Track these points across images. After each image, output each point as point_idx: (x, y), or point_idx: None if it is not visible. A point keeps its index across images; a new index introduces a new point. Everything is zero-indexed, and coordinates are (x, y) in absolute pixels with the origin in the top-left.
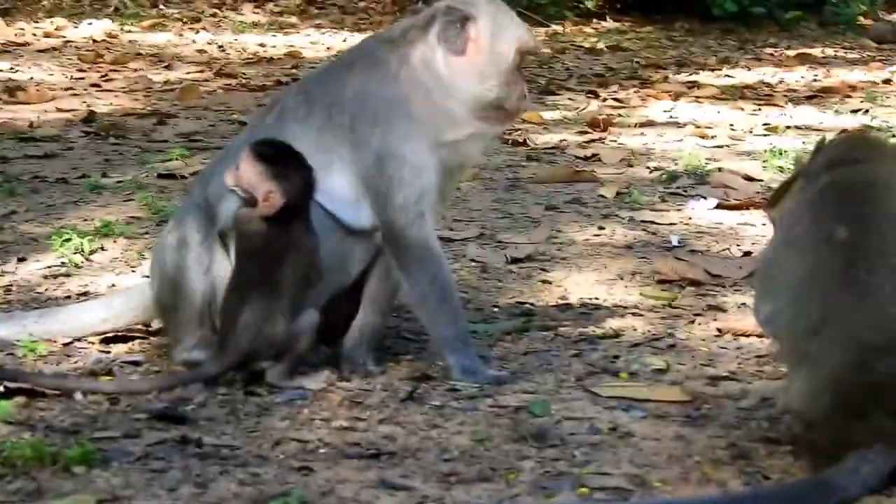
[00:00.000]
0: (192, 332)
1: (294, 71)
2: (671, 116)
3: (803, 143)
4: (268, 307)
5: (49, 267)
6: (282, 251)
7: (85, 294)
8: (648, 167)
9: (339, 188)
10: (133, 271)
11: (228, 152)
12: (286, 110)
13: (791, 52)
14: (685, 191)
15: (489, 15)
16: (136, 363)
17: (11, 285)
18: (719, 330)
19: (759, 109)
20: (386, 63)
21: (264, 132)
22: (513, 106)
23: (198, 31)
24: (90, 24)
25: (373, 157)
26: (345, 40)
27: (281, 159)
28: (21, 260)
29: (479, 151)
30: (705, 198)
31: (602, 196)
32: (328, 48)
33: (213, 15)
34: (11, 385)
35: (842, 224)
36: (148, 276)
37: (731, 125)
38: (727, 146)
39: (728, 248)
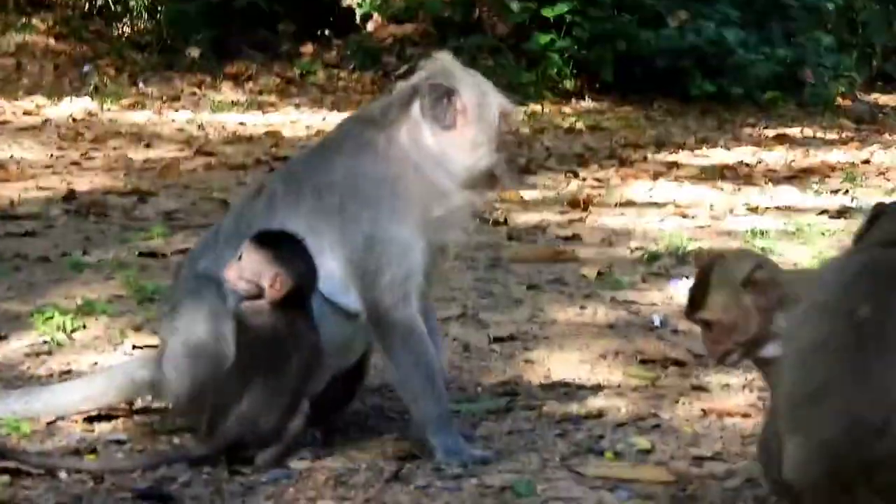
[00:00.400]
0: None
1: (274, 150)
2: (651, 196)
3: (784, 223)
4: (267, 402)
5: (31, 345)
6: (288, 345)
7: (68, 372)
8: (629, 247)
9: (331, 272)
10: (115, 350)
11: (217, 234)
12: (275, 196)
13: (770, 133)
14: (666, 271)
15: (471, 86)
16: (119, 441)
17: None
18: (703, 410)
19: (739, 189)
20: (374, 144)
21: (254, 218)
22: (501, 171)
23: (177, 110)
24: (70, 102)
25: (362, 238)
26: (324, 119)
27: (284, 243)
28: (2, 338)
29: (465, 226)
30: (687, 277)
31: (583, 276)
32: (307, 127)
33: (193, 94)
34: None
35: (868, 303)
36: (130, 354)
37: (712, 205)
38: (708, 226)
39: None
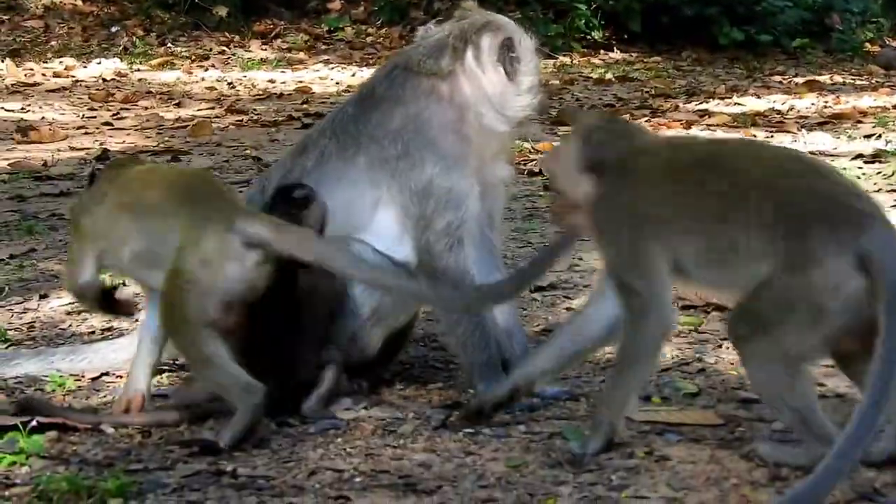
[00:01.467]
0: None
1: (305, 106)
2: None
3: None
4: (295, 349)
5: (71, 303)
6: (304, 293)
7: (109, 330)
8: None
9: (385, 226)
10: None
11: (263, 192)
12: (327, 150)
13: (799, 80)
14: None
15: (517, 33)
16: (164, 396)
17: (35, 322)
18: None
19: (772, 136)
20: (436, 91)
21: (304, 174)
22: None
23: (206, 69)
24: (99, 63)
25: (422, 184)
26: (353, 75)
27: (299, 197)
28: (43, 297)
29: (509, 160)
30: None
31: None
32: (337, 83)
33: (222, 52)
34: (44, 420)
35: None
36: None
37: None
38: None
39: None
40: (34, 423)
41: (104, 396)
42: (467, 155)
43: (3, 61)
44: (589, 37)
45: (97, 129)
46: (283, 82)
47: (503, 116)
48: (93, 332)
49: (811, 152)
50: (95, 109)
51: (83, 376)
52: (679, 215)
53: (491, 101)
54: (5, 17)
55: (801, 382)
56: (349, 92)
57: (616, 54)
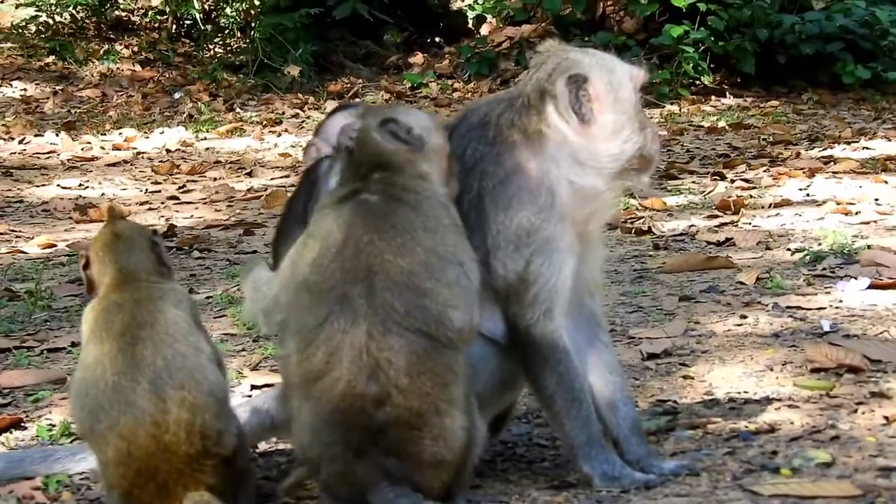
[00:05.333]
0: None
1: None
2: (808, 194)
3: None
4: None
5: None
6: None
7: None
8: (789, 249)
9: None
10: (233, 391)
11: None
12: None
13: None
14: (832, 272)
15: (596, 67)
16: None
17: None
18: (886, 418)
19: None
20: (525, 172)
21: None
22: (652, 149)
23: (279, 134)
24: (162, 132)
25: (517, 256)
26: None
27: None
28: None
29: (611, 211)
30: (856, 278)
31: (741, 283)
32: None
33: (295, 116)
34: None
35: None
36: (249, 396)
37: (876, 199)
38: (874, 222)
39: (886, 331)
40: None
41: None
42: (564, 231)
43: (57, 135)
44: (698, 82)
45: (162, 203)
46: None
47: (597, 171)
48: None
49: None
50: (160, 183)
51: None
52: None
53: (580, 158)
54: (58, 88)
55: None
56: None
57: (729, 100)
